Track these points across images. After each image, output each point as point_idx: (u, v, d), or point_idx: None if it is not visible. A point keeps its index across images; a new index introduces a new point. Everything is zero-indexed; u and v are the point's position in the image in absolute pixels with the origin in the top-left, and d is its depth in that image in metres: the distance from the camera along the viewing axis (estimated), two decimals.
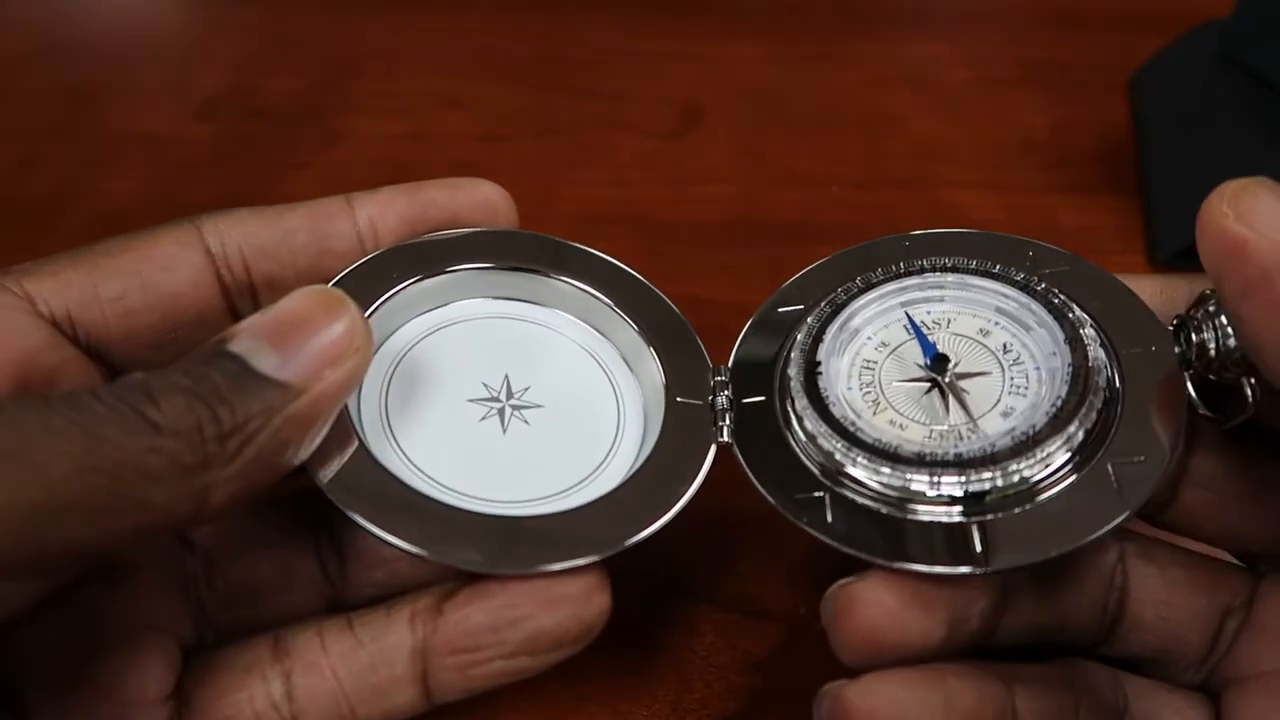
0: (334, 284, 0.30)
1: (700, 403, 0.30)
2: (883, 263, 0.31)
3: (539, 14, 0.64)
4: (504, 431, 0.30)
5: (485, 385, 0.30)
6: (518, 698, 0.33)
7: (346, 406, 0.27)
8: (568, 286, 0.32)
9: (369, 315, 0.29)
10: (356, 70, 0.60)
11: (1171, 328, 0.28)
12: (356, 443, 0.27)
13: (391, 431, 0.29)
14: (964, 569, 0.25)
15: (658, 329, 0.31)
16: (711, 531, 0.37)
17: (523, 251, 0.32)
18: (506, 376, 0.31)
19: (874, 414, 0.29)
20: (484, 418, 0.30)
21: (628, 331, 0.31)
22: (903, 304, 0.31)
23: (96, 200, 0.52)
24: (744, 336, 0.32)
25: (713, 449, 0.29)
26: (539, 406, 0.30)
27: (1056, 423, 0.27)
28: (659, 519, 0.28)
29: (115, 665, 0.26)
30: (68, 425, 0.21)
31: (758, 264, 0.46)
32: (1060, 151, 0.53)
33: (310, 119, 0.57)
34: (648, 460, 0.29)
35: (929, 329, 0.30)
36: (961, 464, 0.26)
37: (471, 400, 0.30)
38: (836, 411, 0.28)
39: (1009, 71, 0.58)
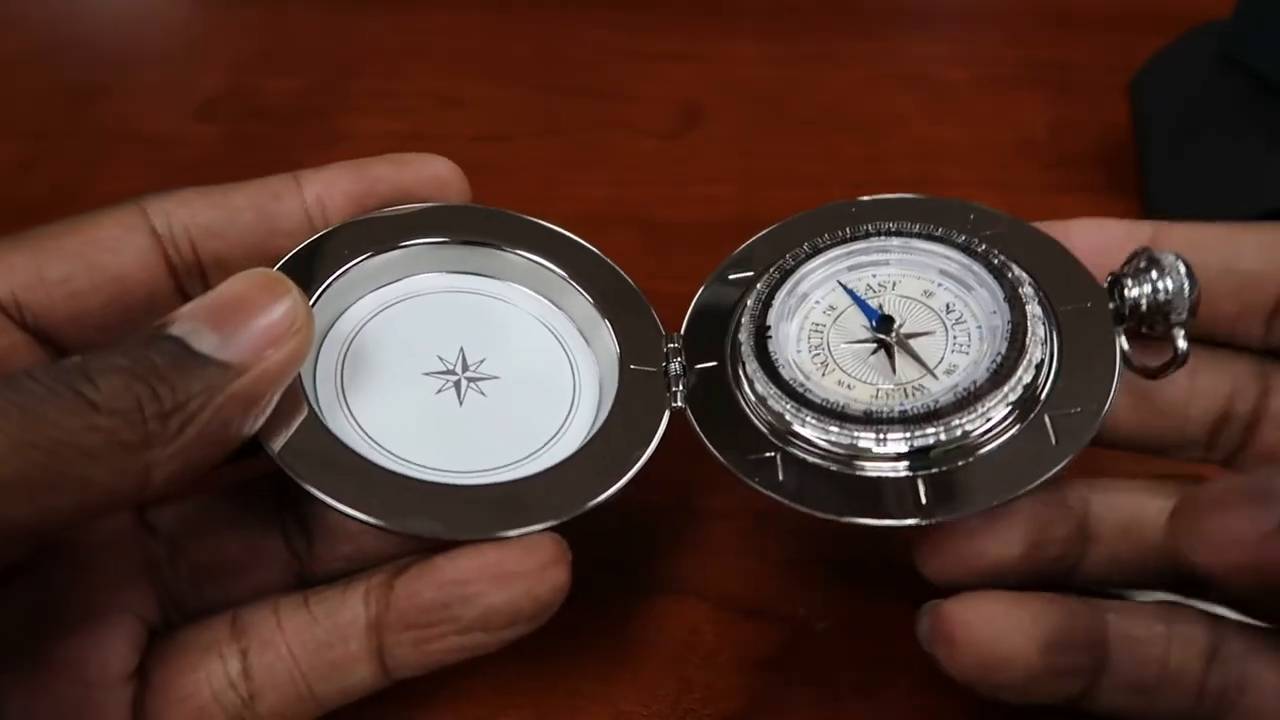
0: (287, 260, 0.30)
1: (654, 369, 0.31)
2: (830, 228, 0.32)
3: (539, 14, 0.64)
4: (460, 403, 0.30)
5: (440, 359, 0.31)
6: (516, 697, 0.33)
7: (301, 382, 0.28)
8: (522, 260, 0.32)
9: (322, 291, 0.30)
10: (356, 70, 0.60)
11: (1105, 284, 0.29)
12: (307, 410, 0.27)
13: (348, 406, 0.29)
14: (910, 521, 0.27)
15: (611, 299, 0.32)
16: (711, 531, 0.37)
17: (477, 225, 0.32)
18: (462, 349, 0.31)
19: (822, 375, 0.30)
20: (440, 390, 0.30)
21: (582, 302, 0.32)
22: (849, 268, 0.32)
23: (96, 200, 0.51)
24: (696, 303, 0.32)
25: (666, 414, 0.30)
26: (495, 378, 0.31)
27: (997, 378, 0.28)
28: (615, 484, 0.28)
29: (77, 645, 0.27)
30: (3, 404, 0.21)
31: None
32: (1060, 151, 0.53)
33: (310, 119, 0.57)
34: (602, 428, 0.29)
35: (875, 292, 0.31)
36: (906, 420, 0.27)
37: (427, 373, 0.30)
38: (786, 374, 0.29)
39: (1009, 71, 0.58)
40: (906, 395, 0.29)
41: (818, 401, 0.28)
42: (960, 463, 0.27)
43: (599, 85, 0.58)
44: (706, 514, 0.37)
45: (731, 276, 0.33)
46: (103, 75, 0.60)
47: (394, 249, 0.31)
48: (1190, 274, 0.28)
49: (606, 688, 0.33)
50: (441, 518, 0.26)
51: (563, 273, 0.32)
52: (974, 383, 0.28)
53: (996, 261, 0.30)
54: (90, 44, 0.64)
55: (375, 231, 0.31)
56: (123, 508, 0.24)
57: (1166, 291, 0.28)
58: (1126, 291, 0.29)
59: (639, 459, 0.29)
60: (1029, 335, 0.28)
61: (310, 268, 0.30)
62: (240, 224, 0.30)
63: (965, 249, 0.31)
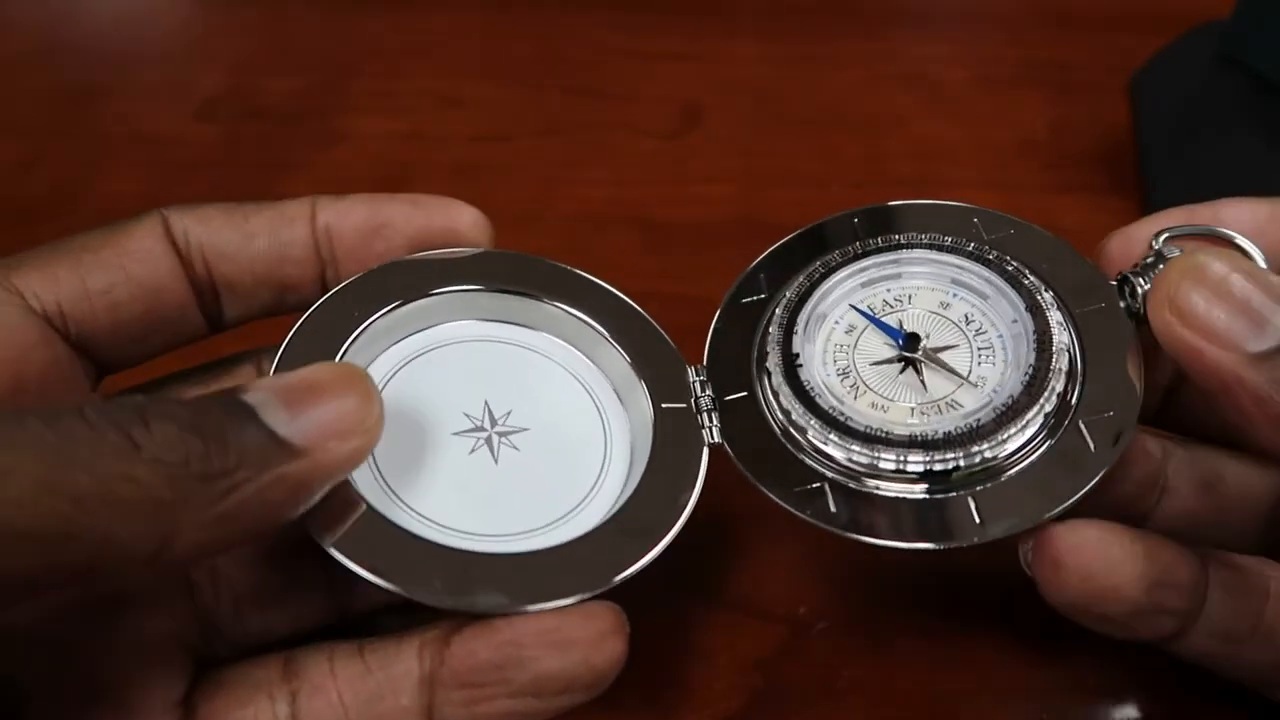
0: (320, 305, 0.30)
1: (685, 406, 0.30)
2: (836, 243, 0.32)
3: (539, 14, 0.64)
4: (495, 461, 0.29)
5: (467, 415, 0.30)
6: None
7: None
8: (557, 310, 0.31)
9: (349, 345, 0.29)
10: (356, 70, 0.60)
11: (1115, 283, 0.29)
12: (363, 509, 0.26)
13: (380, 471, 0.28)
14: (969, 541, 0.27)
15: (631, 337, 0.31)
16: (711, 531, 0.37)
17: (505, 271, 0.31)
18: (487, 403, 0.30)
19: (855, 399, 0.30)
20: (473, 450, 0.29)
21: (613, 354, 0.31)
22: (863, 284, 0.32)
23: (96, 200, 0.52)
24: (713, 332, 0.32)
25: (705, 452, 0.29)
26: (525, 430, 0.30)
27: (1031, 390, 0.28)
28: (668, 532, 0.28)
29: (122, 673, 0.26)
30: (36, 441, 0.20)
31: None
32: (1060, 151, 0.53)
33: (310, 119, 0.57)
34: (645, 474, 0.29)
35: (892, 307, 0.31)
36: (951, 442, 0.27)
37: (457, 433, 0.29)
38: (823, 403, 0.29)
39: (1009, 71, 0.58)
40: (941, 411, 0.29)
41: (860, 429, 0.28)
42: (1003, 477, 0.27)
43: (599, 85, 0.58)
44: (704, 517, 0.37)
45: (744, 300, 0.32)
46: (103, 75, 0.60)
47: (422, 298, 0.30)
48: None
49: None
50: (505, 590, 0.26)
51: (586, 318, 0.31)
52: (1011, 396, 0.28)
53: (1011, 269, 0.30)
54: (90, 44, 0.64)
55: (404, 277, 0.30)
56: (133, 574, 0.23)
57: None
58: (1139, 289, 0.29)
59: (687, 503, 0.28)
60: (1055, 343, 0.28)
61: (337, 316, 0.29)
62: (253, 250, 0.30)
63: (977, 258, 0.30)
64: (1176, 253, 0.28)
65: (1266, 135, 0.46)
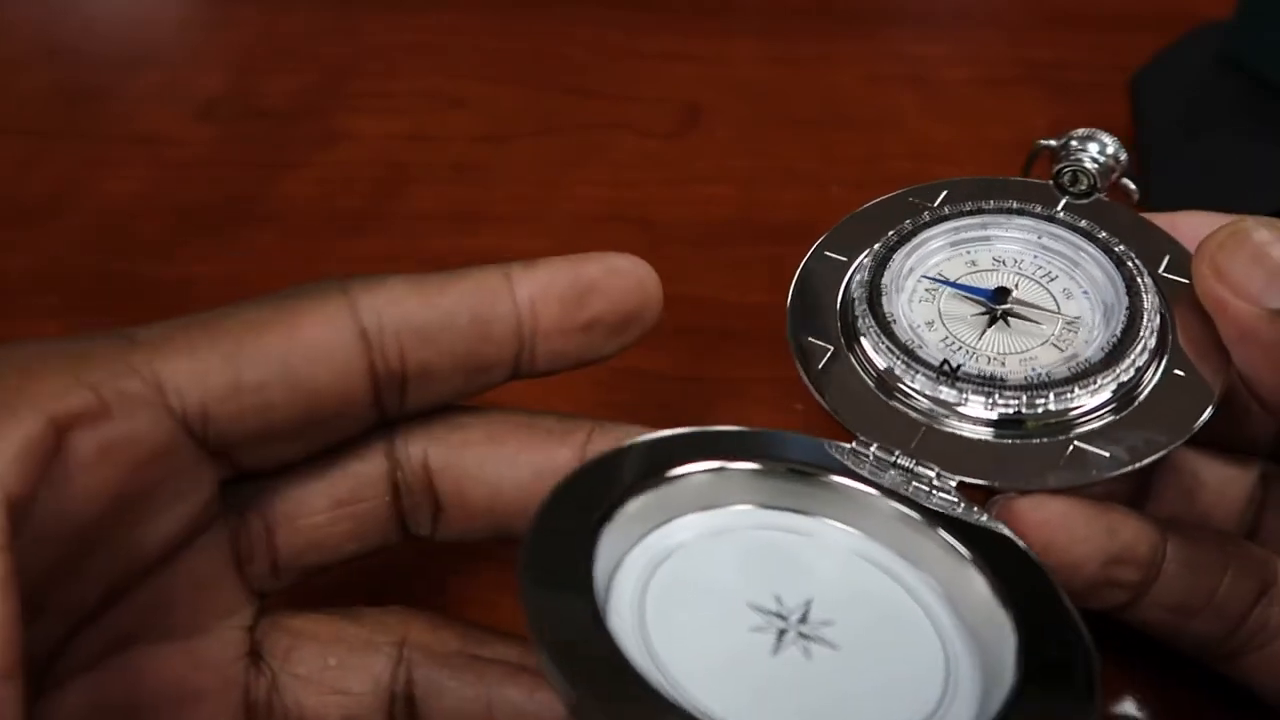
0: (586, 467, 0.26)
1: (908, 503, 0.27)
2: (895, 218, 0.32)
3: (539, 14, 0.64)
4: (808, 659, 0.24)
5: (758, 609, 0.25)
6: None
7: (616, 640, 0.22)
8: (831, 490, 0.28)
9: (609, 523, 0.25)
10: (356, 70, 0.60)
11: (1052, 179, 0.32)
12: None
13: (662, 669, 0.23)
14: (1129, 466, 0.27)
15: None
16: None
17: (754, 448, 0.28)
18: (778, 595, 0.25)
19: (975, 361, 0.29)
20: (777, 650, 0.24)
21: (895, 523, 0.27)
22: (949, 243, 0.32)
23: (96, 200, 0.52)
24: (825, 394, 0.29)
25: (986, 518, 0.27)
26: (830, 622, 0.25)
27: (1132, 317, 0.29)
28: (1092, 668, 0.24)
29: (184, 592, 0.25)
30: None
31: (758, 264, 0.46)
32: None
33: (310, 119, 0.57)
34: (1013, 616, 0.25)
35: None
36: (1095, 370, 0.28)
37: (753, 629, 0.25)
38: (972, 369, 0.28)
39: (1008, 71, 0.58)
40: (1061, 350, 0.29)
41: (1017, 381, 0.28)
42: (1132, 407, 0.28)
43: (599, 85, 0.58)
44: None
45: (810, 340, 0.30)
46: (103, 75, 0.60)
47: (675, 480, 0.27)
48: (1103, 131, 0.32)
49: None
50: None
51: (862, 486, 0.27)
52: (1127, 310, 0.29)
53: (1084, 226, 0.31)
54: (90, 44, 0.64)
55: (656, 456, 0.27)
56: None
57: (1105, 147, 0.32)
58: (1082, 166, 0.31)
59: (1082, 629, 0.24)
60: (1138, 280, 0.29)
61: (578, 498, 0.25)
62: (453, 329, 0.27)
63: (1045, 218, 0.32)
64: (1086, 129, 0.32)
65: (1267, 135, 0.46)
